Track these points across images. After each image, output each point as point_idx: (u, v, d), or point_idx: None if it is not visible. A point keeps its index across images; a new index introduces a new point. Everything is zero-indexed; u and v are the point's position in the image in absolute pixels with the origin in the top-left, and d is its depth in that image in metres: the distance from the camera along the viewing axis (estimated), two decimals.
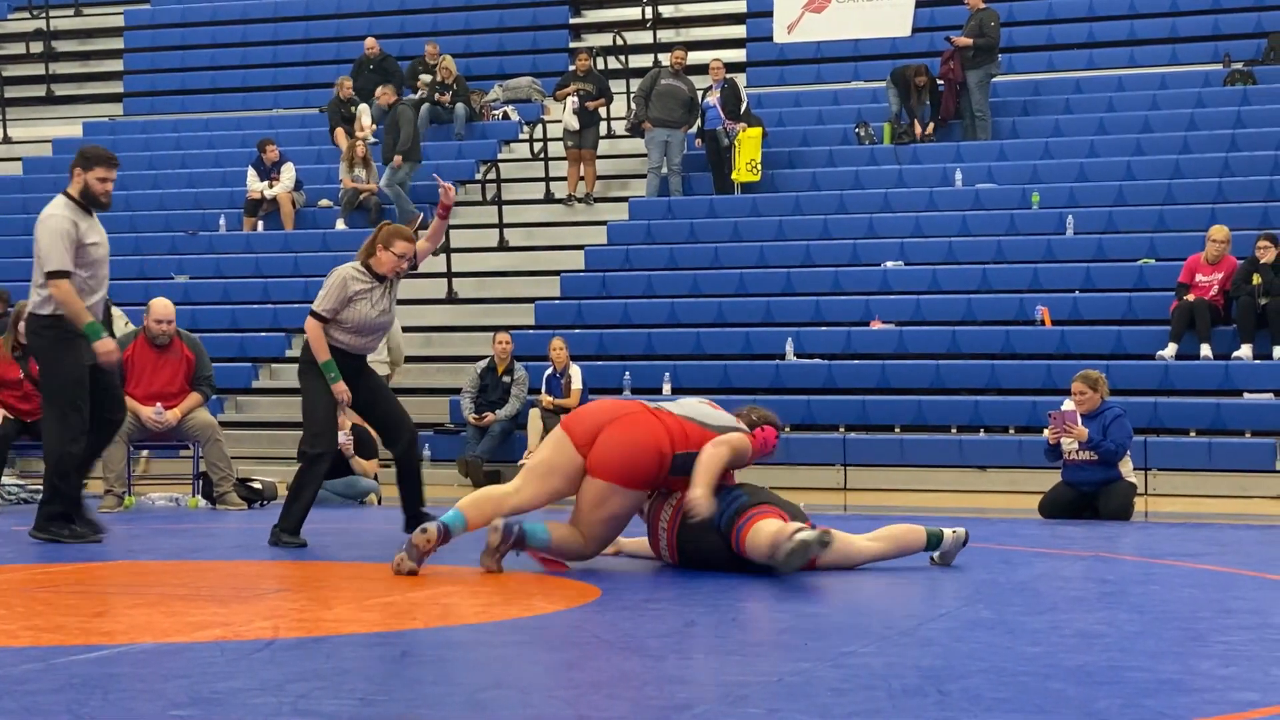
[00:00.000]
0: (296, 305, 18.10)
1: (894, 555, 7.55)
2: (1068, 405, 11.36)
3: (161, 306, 12.00)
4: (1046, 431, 11.38)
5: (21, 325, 11.91)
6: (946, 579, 7.15)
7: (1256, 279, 14.68)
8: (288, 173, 19.74)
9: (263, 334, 17.85)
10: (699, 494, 7.17)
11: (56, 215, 8.55)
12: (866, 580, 7.08)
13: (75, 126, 23.78)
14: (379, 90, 19.63)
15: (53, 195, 8.90)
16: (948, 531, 7.55)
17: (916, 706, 4.14)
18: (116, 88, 24.95)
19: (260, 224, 19.81)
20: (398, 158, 19.15)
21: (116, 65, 25.19)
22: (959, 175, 18.09)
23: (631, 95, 20.23)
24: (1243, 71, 19.20)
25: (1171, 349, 14.79)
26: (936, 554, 7.53)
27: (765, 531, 7.11)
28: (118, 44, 25.34)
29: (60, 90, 25.20)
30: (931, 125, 19.09)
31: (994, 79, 19.16)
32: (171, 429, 11.86)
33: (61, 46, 25.61)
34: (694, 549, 7.39)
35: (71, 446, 8.61)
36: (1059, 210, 17.07)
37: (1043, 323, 15.59)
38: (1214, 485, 13.69)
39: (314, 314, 8.87)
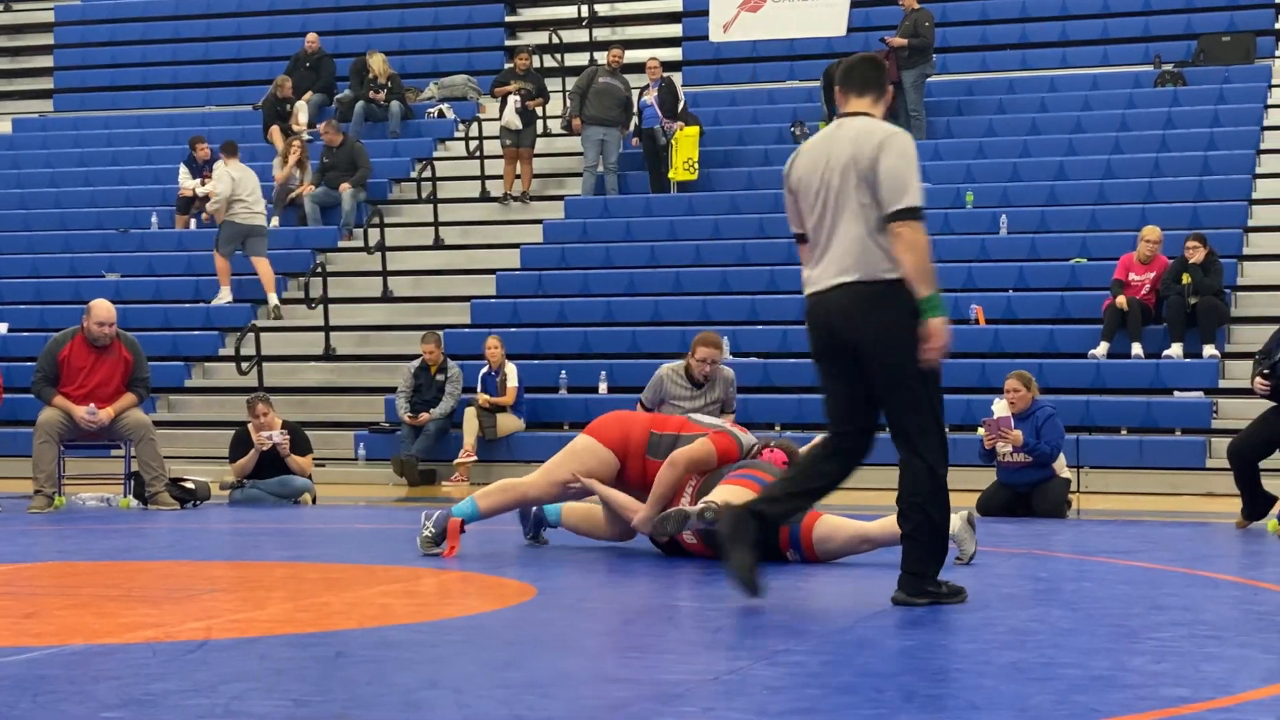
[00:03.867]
0: (229, 304, 18.00)
1: (891, 543, 7.61)
2: (998, 408, 11.43)
3: (104, 310, 11.83)
4: (980, 430, 11.44)
5: None
6: (882, 577, 7.18)
7: (1186, 279, 14.82)
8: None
9: (195, 332, 17.72)
10: (646, 514, 7.81)
11: (903, 134, 6.32)
12: (803, 579, 7.10)
13: (4, 123, 23.54)
14: (323, 126, 19.52)
15: None
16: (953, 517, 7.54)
17: (852, 704, 4.15)
18: (47, 84, 24.70)
19: (192, 222, 19.66)
20: (346, 185, 19.07)
21: (47, 61, 24.93)
22: None
23: (567, 93, 20.23)
24: (1173, 73, 19.38)
25: (1103, 348, 14.90)
26: (959, 554, 7.52)
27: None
28: (48, 40, 25.07)
29: None
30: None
31: (928, 79, 19.25)
32: (104, 428, 11.75)
33: None
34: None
35: (941, 467, 6.18)
36: (993, 209, 17.18)
37: (976, 321, 15.68)
38: (1145, 483, 13.80)
39: None
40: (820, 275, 6.26)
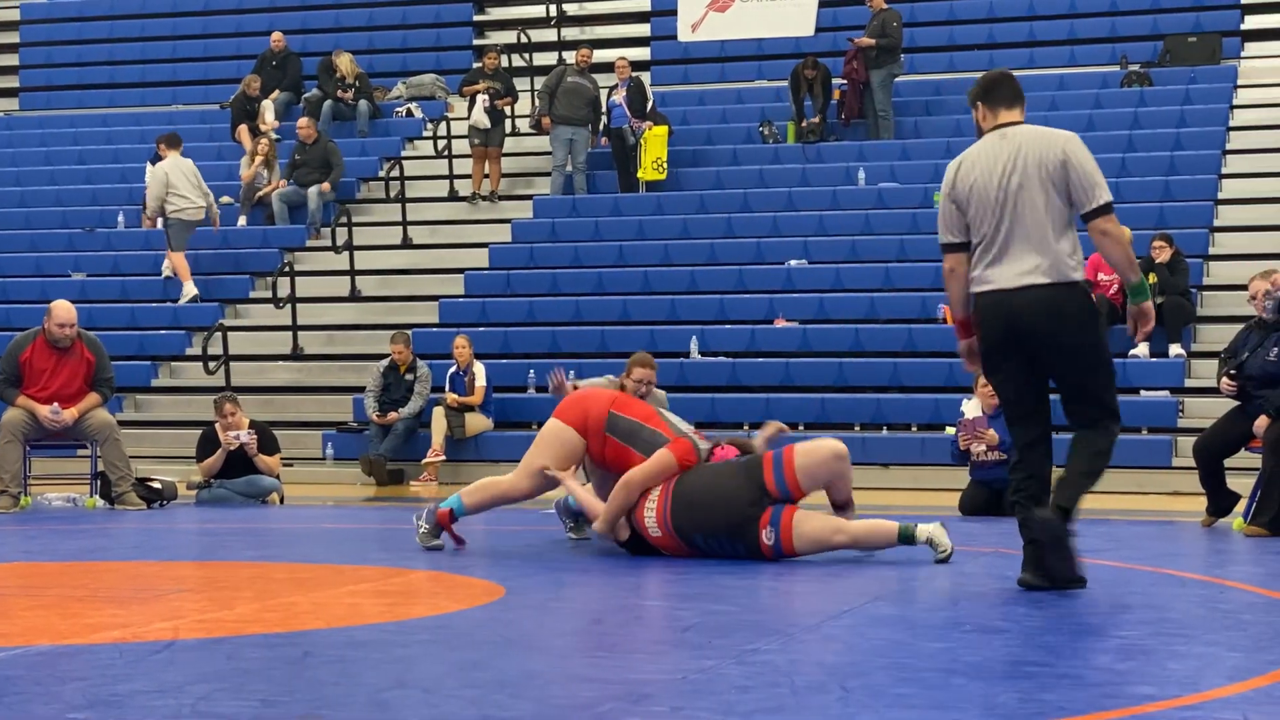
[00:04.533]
0: (195, 302, 17.93)
1: (866, 547, 7.78)
2: (968, 407, 11.46)
3: (64, 311, 11.79)
4: (950, 430, 11.47)
5: None
6: (848, 576, 7.20)
7: (1152, 278, 14.87)
8: None
9: (162, 332, 17.64)
10: (601, 526, 7.96)
11: (1075, 135, 6.80)
12: (770, 578, 7.11)
13: None
14: (302, 122, 19.50)
15: None
16: (920, 528, 7.70)
17: (819, 703, 4.16)
18: (12, 82, 24.57)
19: (159, 221, 19.58)
20: (326, 185, 19.05)
21: (12, 60, 24.79)
22: (862, 174, 18.20)
23: (537, 92, 20.24)
24: (1139, 73, 19.47)
25: None
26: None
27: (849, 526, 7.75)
28: (14, 38, 24.93)
29: None
30: (819, 117, 19.17)
31: (896, 79, 19.30)
32: (69, 428, 11.69)
33: None
34: (688, 521, 7.73)
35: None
36: None
37: (945, 321, 15.71)
38: (1110, 481, 13.66)
39: None
40: (1002, 274, 6.65)
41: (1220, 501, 10.20)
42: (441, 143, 20.12)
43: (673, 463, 7.84)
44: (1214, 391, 11.18)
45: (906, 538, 7.70)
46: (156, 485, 12.12)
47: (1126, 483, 13.83)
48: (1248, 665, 4.89)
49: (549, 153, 19.37)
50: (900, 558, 7.76)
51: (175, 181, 17.54)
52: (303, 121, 19.48)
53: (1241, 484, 10.33)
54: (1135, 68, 19.70)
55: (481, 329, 16.56)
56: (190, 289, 17.85)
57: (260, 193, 19.47)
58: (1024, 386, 6.77)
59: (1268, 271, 10.12)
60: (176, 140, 18.09)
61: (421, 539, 8.16)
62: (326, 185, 19.06)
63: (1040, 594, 6.67)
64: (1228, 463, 10.30)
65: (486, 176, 19.57)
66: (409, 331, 15.68)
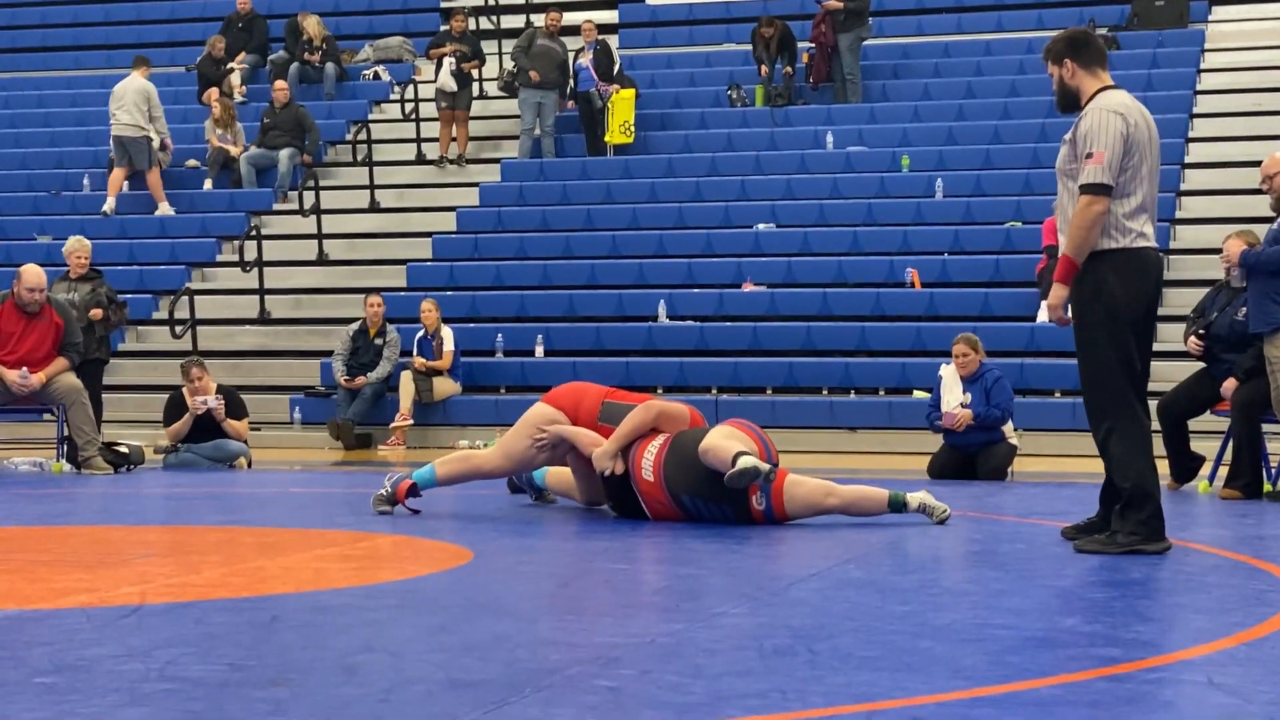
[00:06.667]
0: (163, 266, 17.86)
1: (856, 512, 7.79)
2: (946, 372, 11.44)
3: (34, 275, 11.77)
4: (920, 394, 11.49)
5: None
6: (816, 539, 7.22)
7: None
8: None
9: (129, 295, 17.52)
10: (606, 448, 7.80)
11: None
12: (739, 542, 7.12)
13: None
14: (279, 83, 19.40)
15: None
16: (911, 496, 7.75)
17: (787, 666, 4.18)
18: None
19: (125, 184, 19.46)
20: (307, 158, 18.98)
21: None
22: (830, 138, 18.19)
23: (505, 55, 20.13)
24: (1107, 37, 19.47)
25: (1044, 310, 14.98)
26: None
27: (717, 441, 7.54)
28: None
29: None
30: (786, 78, 19.12)
31: (865, 42, 19.28)
32: (35, 393, 11.65)
33: None
34: (677, 479, 7.71)
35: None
36: (928, 173, 17.23)
37: (912, 285, 15.74)
38: (1079, 445, 13.84)
39: None
40: (1152, 232, 6.70)
41: (1184, 463, 10.23)
42: (409, 106, 20.04)
43: (686, 415, 7.98)
44: (1179, 355, 11.23)
45: (897, 506, 7.73)
46: (123, 450, 12.07)
47: (1090, 445, 13.85)
48: (1212, 628, 4.92)
49: (517, 116, 19.31)
50: (869, 522, 7.78)
51: (118, 98, 18.44)
52: (279, 84, 19.38)
53: (1203, 446, 10.38)
54: (1103, 31, 19.70)
55: (449, 293, 16.52)
56: (106, 203, 18.71)
57: (220, 145, 19.29)
58: (1137, 346, 6.85)
59: (1243, 231, 10.11)
60: (139, 61, 19.02)
61: (374, 502, 8.11)
62: (308, 158, 18.99)
63: (1008, 557, 6.71)
64: (1192, 425, 10.34)
65: (454, 140, 19.50)
66: (382, 294, 15.63)
